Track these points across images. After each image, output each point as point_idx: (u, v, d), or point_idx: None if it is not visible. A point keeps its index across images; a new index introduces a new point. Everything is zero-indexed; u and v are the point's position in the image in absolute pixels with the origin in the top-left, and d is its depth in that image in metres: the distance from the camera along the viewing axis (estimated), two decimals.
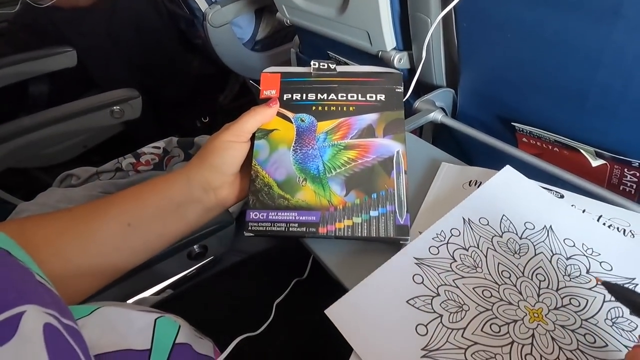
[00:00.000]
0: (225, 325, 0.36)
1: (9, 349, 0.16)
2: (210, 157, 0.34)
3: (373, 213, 0.35)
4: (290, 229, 0.35)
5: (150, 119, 1.27)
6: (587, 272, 0.31)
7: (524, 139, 0.58)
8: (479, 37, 0.54)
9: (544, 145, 0.56)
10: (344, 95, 0.40)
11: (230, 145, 0.35)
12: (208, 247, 0.68)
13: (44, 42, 1.08)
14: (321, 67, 0.41)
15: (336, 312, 0.29)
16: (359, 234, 0.34)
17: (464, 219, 0.35)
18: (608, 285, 0.26)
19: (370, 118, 0.39)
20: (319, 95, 0.40)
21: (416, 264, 0.32)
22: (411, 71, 0.67)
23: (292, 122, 0.39)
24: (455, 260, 0.32)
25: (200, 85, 1.47)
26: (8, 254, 0.20)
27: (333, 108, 0.39)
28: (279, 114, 0.39)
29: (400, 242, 0.34)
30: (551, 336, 0.27)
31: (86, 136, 1.17)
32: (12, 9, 1.18)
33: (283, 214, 0.35)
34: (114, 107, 0.90)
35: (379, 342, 0.28)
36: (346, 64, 0.86)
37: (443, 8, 0.55)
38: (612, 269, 0.31)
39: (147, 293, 0.66)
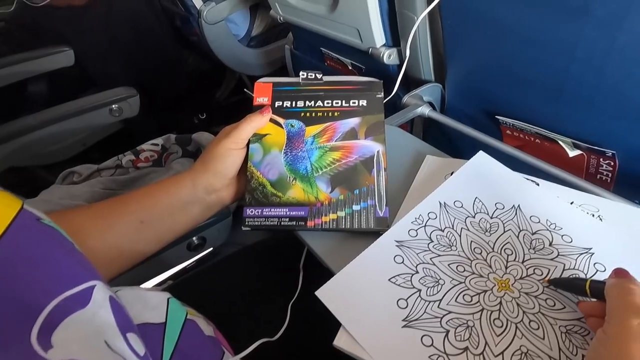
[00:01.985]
0: (226, 314, 0.39)
1: (88, 311, 0.21)
2: (213, 164, 0.39)
3: (355, 207, 0.39)
4: (282, 223, 0.39)
5: (149, 116, 1.29)
6: (550, 244, 0.34)
7: (508, 132, 0.61)
8: (462, 33, 0.57)
9: (526, 138, 0.59)
10: (330, 102, 0.44)
11: (230, 152, 0.39)
12: (207, 239, 0.71)
13: (41, 41, 1.10)
14: (309, 77, 0.46)
15: (326, 293, 0.33)
16: (343, 227, 0.38)
17: (440, 202, 0.38)
18: (554, 282, 0.31)
19: (353, 122, 0.43)
20: (307, 102, 0.44)
21: (397, 246, 0.35)
22: (401, 67, 0.70)
23: (283, 128, 0.43)
24: (432, 241, 0.36)
25: (197, 81, 1.49)
26: (63, 236, 0.23)
27: (320, 114, 0.43)
28: (272, 120, 0.43)
29: (380, 232, 0.37)
30: (516, 302, 0.31)
31: (85, 134, 1.19)
32: (8, 9, 1.19)
33: (276, 210, 0.39)
34: (113, 106, 0.92)
35: (364, 317, 0.31)
36: (339, 60, 0.88)
37: (428, 5, 0.57)
38: (571, 241, 0.34)
39: (148, 284, 0.69)
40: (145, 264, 0.62)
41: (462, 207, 0.38)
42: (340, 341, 0.30)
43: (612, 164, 0.49)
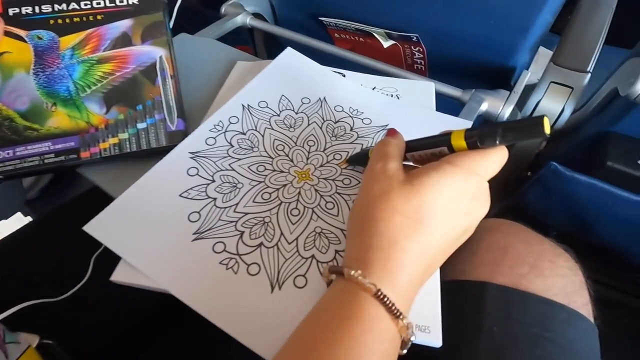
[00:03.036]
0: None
1: None
2: None
3: (140, 125, 0.32)
4: (46, 161, 0.31)
5: None
6: (351, 129, 0.34)
7: (336, 35, 0.59)
8: None
9: (352, 38, 0.58)
10: (88, 2, 0.35)
11: None
12: None
13: None
14: None
15: (97, 226, 0.27)
16: (128, 149, 0.32)
17: (243, 105, 0.35)
18: (349, 160, 0.31)
19: (123, 25, 0.35)
20: (56, 5, 0.34)
21: (191, 157, 0.31)
22: None
23: (26, 42, 0.33)
24: (233, 146, 0.32)
25: None
26: None
27: (76, 19, 0.34)
28: (7, 34, 0.33)
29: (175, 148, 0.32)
30: (315, 189, 0.30)
31: None
32: None
33: (34, 146, 0.31)
34: None
35: (148, 243, 0.26)
36: None
37: None
38: (371, 122, 0.35)
39: None
40: None
41: (267, 107, 0.35)
42: (118, 275, 0.25)
43: (422, 50, 0.51)
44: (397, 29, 0.50)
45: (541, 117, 0.19)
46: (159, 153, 0.32)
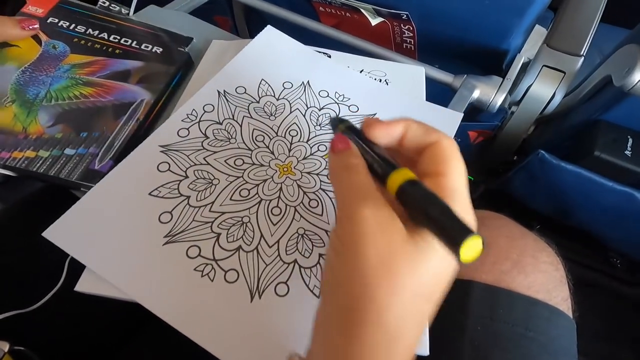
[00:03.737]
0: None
1: None
2: None
3: (69, 151, 0.29)
4: None
5: None
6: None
7: (322, 9, 0.55)
8: None
9: (339, 13, 0.54)
10: (118, 37, 0.36)
11: None
12: None
13: None
14: (111, 7, 0.38)
15: (58, 231, 0.24)
16: (34, 169, 0.28)
17: (218, 92, 0.31)
18: (331, 122, 0.27)
19: (131, 64, 0.34)
20: (90, 30, 0.36)
21: (162, 151, 0.28)
22: None
23: (40, 46, 0.34)
24: (208, 137, 0.29)
25: None
26: None
27: (97, 46, 0.35)
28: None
29: (82, 188, 0.28)
30: (297, 184, 0.28)
31: None
32: None
33: None
34: None
35: (113, 248, 0.24)
36: None
37: None
38: (358, 110, 0.32)
39: None
40: None
41: (245, 92, 0.32)
42: (83, 285, 0.23)
43: (411, 29, 0.48)
44: (386, 5, 0.46)
45: (468, 239, 0.13)
46: (57, 185, 0.28)
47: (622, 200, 0.42)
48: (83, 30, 0.35)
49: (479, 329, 0.26)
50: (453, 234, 0.14)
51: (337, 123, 0.22)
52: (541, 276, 0.29)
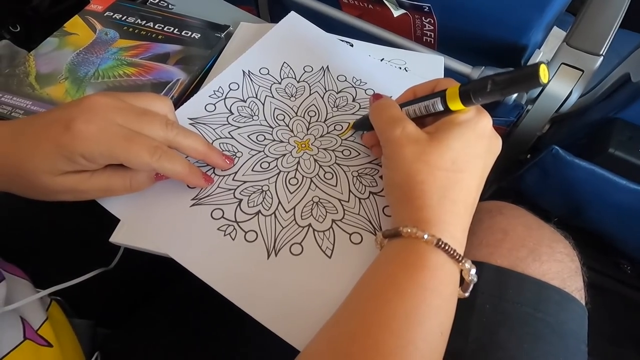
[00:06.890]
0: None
1: None
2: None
3: None
4: (14, 114, 0.33)
5: None
6: (353, 100, 0.33)
7: (345, 0, 0.57)
8: None
9: (361, 4, 0.56)
10: (162, 25, 0.40)
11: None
12: None
13: None
14: (160, 3, 0.44)
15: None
16: None
17: (243, 71, 0.34)
18: (354, 125, 0.31)
19: (171, 47, 0.38)
20: (139, 20, 0.40)
21: (191, 124, 0.30)
22: None
23: (94, 33, 0.39)
24: (232, 113, 0.31)
25: None
26: None
27: (143, 32, 0.39)
28: (88, 22, 0.39)
29: None
30: (314, 159, 0.30)
31: None
32: None
33: (19, 100, 0.33)
34: None
35: (147, 208, 0.26)
36: None
37: None
38: (374, 93, 0.34)
39: None
40: None
41: (268, 74, 0.34)
42: (118, 237, 0.25)
43: (432, 21, 0.49)
44: None
45: (537, 65, 0.19)
46: None
47: (635, 199, 0.42)
48: (132, 21, 0.40)
49: (487, 307, 0.27)
50: (528, 70, 0.19)
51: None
52: (556, 265, 0.29)
